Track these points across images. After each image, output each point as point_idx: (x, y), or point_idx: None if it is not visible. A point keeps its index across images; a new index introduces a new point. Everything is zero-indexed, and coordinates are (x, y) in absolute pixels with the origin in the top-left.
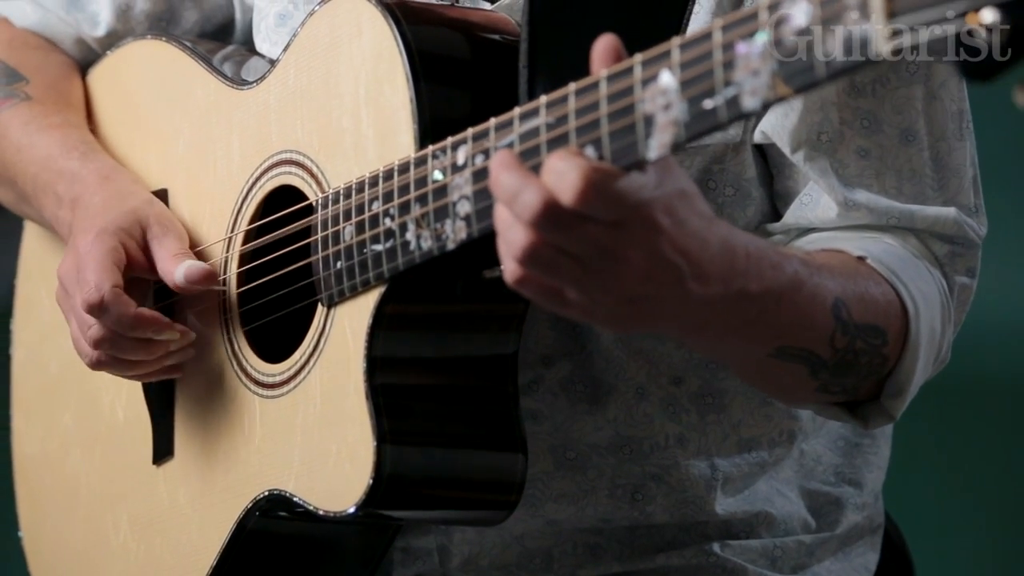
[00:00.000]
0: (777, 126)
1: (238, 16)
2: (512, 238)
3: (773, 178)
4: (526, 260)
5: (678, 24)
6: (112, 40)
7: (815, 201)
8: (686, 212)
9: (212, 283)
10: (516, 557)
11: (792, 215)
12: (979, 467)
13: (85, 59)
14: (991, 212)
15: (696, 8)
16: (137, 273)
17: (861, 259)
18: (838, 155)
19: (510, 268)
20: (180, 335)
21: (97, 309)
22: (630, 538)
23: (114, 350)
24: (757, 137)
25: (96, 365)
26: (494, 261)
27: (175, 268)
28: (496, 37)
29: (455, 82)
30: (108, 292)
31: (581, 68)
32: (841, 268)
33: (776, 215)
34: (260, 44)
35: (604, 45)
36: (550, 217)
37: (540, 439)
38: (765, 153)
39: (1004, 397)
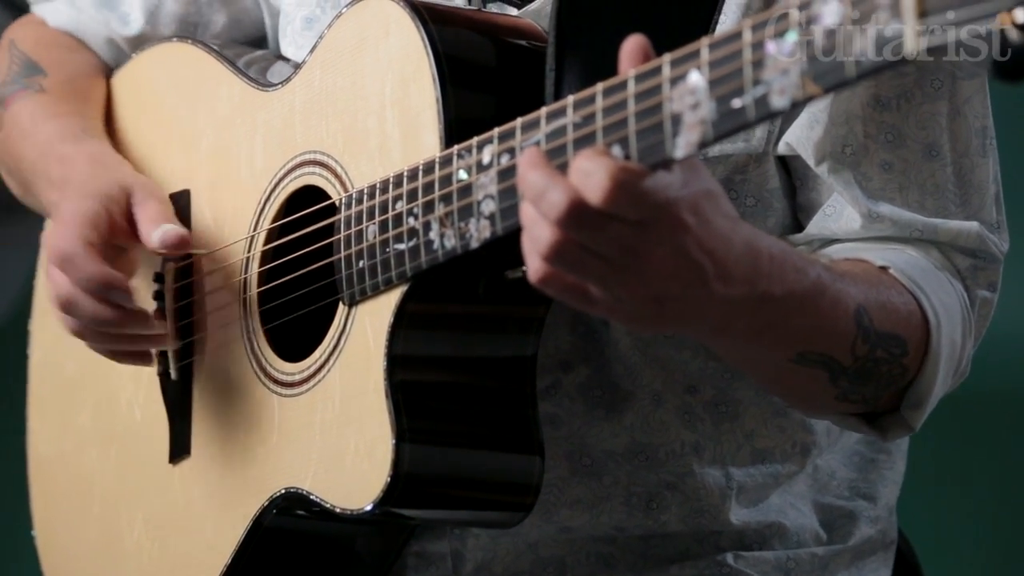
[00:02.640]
0: (802, 138)
1: (268, 22)
2: (538, 235)
3: (796, 190)
4: (551, 257)
5: (706, 28)
6: (142, 41)
7: (838, 212)
8: (712, 212)
9: (186, 249)
10: (529, 565)
11: (815, 226)
12: (992, 485)
13: (115, 60)
14: (1011, 228)
15: (722, 19)
16: (121, 239)
17: (884, 269)
18: (862, 168)
19: (535, 265)
20: (137, 318)
21: (61, 259)
22: (643, 548)
23: (77, 313)
24: (781, 148)
25: (76, 332)
26: (517, 261)
27: (152, 231)
28: (522, 42)
29: (481, 84)
30: (75, 244)
31: (608, 71)
32: (864, 276)
33: (797, 227)
34: (286, 48)
35: (633, 45)
36: (577, 216)
37: (557, 444)
38: (788, 165)
39: (1016, 414)
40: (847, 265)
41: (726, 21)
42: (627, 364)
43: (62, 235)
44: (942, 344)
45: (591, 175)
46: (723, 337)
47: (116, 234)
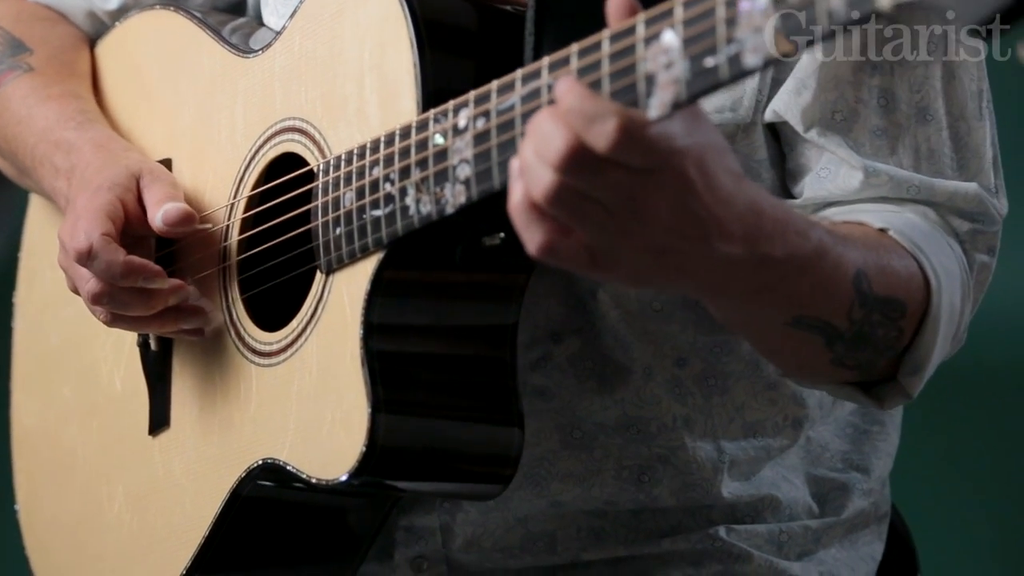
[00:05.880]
0: (790, 104)
1: None
2: (534, 178)
3: (785, 156)
4: (549, 201)
5: None
6: (123, 12)
7: (834, 173)
8: (715, 167)
9: (191, 225)
10: (519, 539)
11: (811, 188)
12: (984, 458)
13: (97, 32)
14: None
15: None
16: (136, 227)
17: (883, 231)
18: (853, 134)
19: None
20: (172, 287)
21: (85, 257)
22: (635, 522)
23: (113, 305)
24: (768, 116)
25: (109, 323)
26: (494, 228)
27: (156, 213)
28: (501, 5)
29: (460, 49)
30: (97, 239)
31: (588, 34)
32: (863, 239)
33: (786, 198)
34: (268, 17)
35: (617, 3)
36: (577, 161)
37: (548, 417)
38: (777, 132)
39: (1010, 387)
40: (847, 228)
41: None
42: (617, 336)
43: (82, 229)
44: (942, 307)
45: (596, 120)
46: (720, 296)
47: (132, 223)
